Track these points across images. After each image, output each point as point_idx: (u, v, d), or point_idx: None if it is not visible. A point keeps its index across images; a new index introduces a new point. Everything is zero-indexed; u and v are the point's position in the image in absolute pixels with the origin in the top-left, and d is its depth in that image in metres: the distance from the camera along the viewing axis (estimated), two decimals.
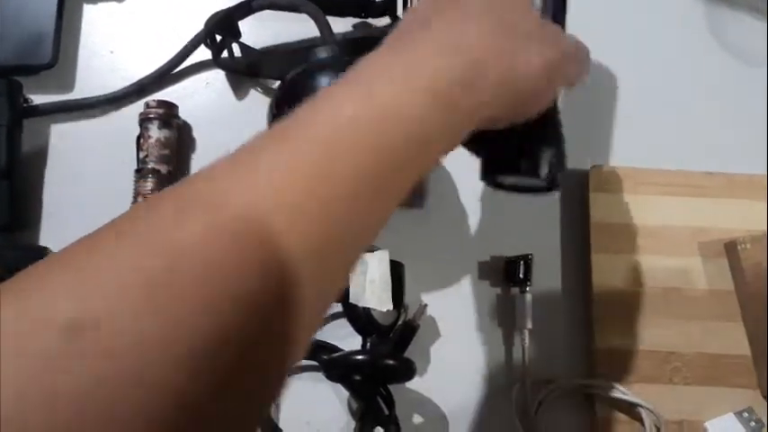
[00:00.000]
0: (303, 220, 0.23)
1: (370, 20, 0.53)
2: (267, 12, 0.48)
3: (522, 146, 0.35)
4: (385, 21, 0.53)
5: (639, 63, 0.53)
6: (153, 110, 0.48)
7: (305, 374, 0.46)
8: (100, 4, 0.54)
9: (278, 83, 0.51)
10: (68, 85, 0.52)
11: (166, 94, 0.51)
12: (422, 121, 0.26)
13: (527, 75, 0.30)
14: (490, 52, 0.29)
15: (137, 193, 0.48)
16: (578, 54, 0.35)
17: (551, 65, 0.31)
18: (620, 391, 0.44)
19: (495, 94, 0.29)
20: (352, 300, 0.42)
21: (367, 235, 0.26)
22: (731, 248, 0.47)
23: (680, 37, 0.54)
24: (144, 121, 0.49)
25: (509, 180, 0.37)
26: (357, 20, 0.53)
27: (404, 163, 0.26)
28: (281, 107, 0.42)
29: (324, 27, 0.45)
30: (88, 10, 0.54)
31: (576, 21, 0.54)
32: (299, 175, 0.23)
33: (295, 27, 0.49)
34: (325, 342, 0.46)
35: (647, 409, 0.43)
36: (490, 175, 0.37)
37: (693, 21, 0.55)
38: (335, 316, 0.47)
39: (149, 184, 0.48)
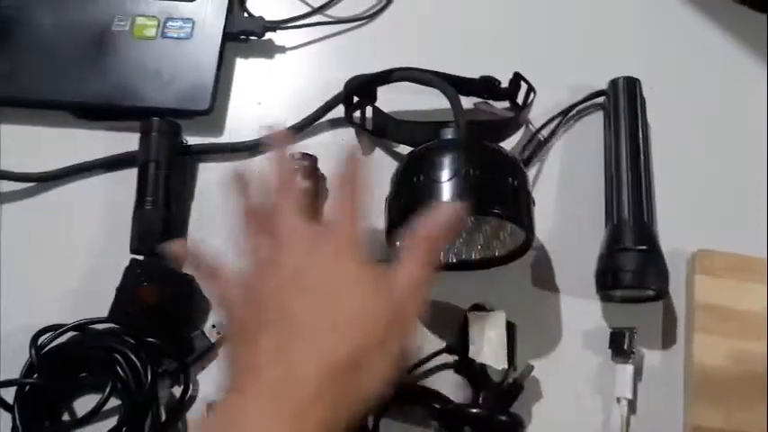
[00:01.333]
0: None
1: (491, 101, 0.57)
2: (403, 83, 0.53)
3: None
4: (505, 104, 0.57)
5: (746, 150, 0.56)
6: (298, 161, 0.52)
7: (411, 418, 0.49)
8: (251, 59, 0.60)
9: (401, 146, 0.55)
10: (219, 130, 0.57)
11: (307, 144, 0.56)
12: None
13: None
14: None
15: None
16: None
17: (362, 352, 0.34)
18: None
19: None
20: (471, 355, 0.45)
21: None
22: None
23: None
24: None
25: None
26: (479, 99, 0.58)
27: None
28: (406, 177, 0.46)
29: (456, 109, 0.49)
30: (241, 64, 0.60)
31: (686, 104, 0.58)
32: None
33: (426, 99, 0.54)
34: (434, 390, 0.49)
35: None
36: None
37: None
38: (442, 366, 0.50)
39: None
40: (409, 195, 0.45)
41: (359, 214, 0.39)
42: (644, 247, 0.49)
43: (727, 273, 0.51)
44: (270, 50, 0.61)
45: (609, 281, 0.48)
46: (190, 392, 0.48)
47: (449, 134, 0.48)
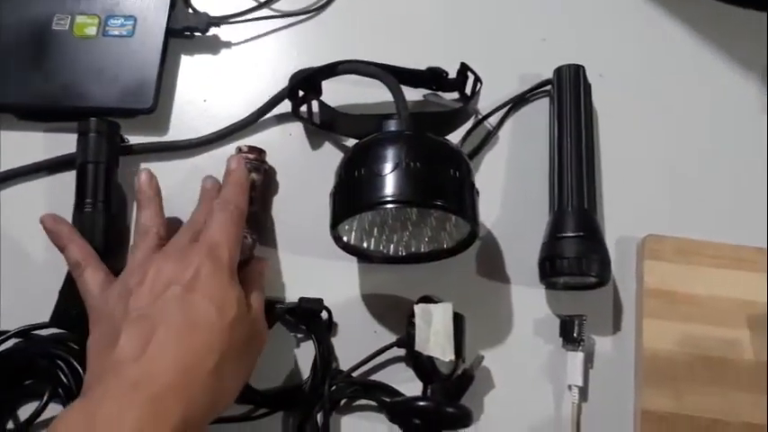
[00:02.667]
0: None
1: (440, 93, 0.57)
2: (348, 75, 0.53)
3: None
4: (454, 95, 0.57)
5: (693, 136, 0.57)
6: (244, 154, 0.52)
7: (364, 413, 0.49)
8: (196, 56, 0.59)
9: (351, 140, 0.55)
10: (163, 128, 0.56)
11: (254, 140, 0.56)
12: None
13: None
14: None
15: None
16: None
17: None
18: None
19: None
20: (417, 348, 0.45)
21: None
22: None
23: (734, 112, 0.58)
24: None
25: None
26: (428, 91, 0.57)
27: None
28: (348, 170, 0.46)
29: (399, 101, 0.49)
30: (185, 61, 0.59)
31: (633, 92, 0.58)
32: None
33: (372, 92, 0.54)
34: (384, 384, 0.49)
35: None
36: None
37: (749, 97, 0.58)
38: (394, 360, 0.50)
39: None
40: (351, 189, 0.45)
41: (236, 236, 0.44)
42: (583, 234, 0.48)
43: (676, 257, 0.51)
44: (215, 46, 0.60)
45: (549, 269, 0.48)
46: None
47: (392, 126, 0.47)
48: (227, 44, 0.60)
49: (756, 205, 0.54)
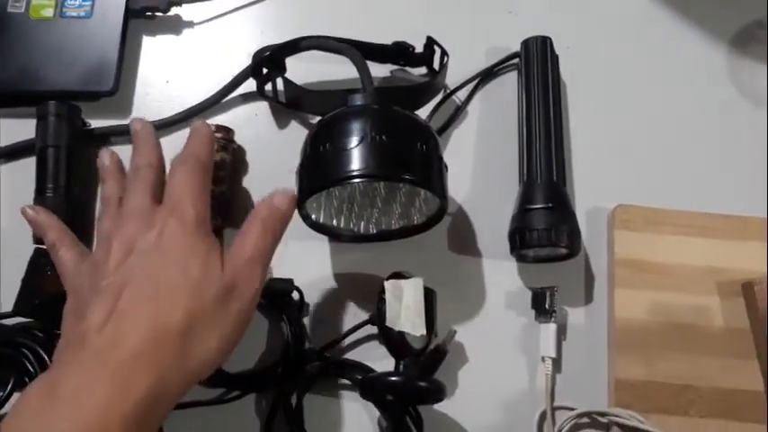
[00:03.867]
0: None
1: (408, 68, 0.56)
2: (314, 52, 0.52)
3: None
4: (422, 70, 0.56)
5: (661, 106, 0.57)
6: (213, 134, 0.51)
7: (338, 392, 0.48)
8: (158, 36, 0.58)
9: (317, 118, 0.54)
10: (125, 111, 0.55)
11: (220, 120, 0.55)
12: None
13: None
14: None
15: None
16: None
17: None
18: (638, 420, 0.46)
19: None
20: (388, 323, 0.45)
21: None
22: (748, 289, 0.49)
23: (700, 82, 0.58)
24: None
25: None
26: (396, 67, 0.57)
27: None
28: (314, 146, 0.45)
29: (364, 75, 0.48)
30: (147, 41, 0.58)
31: (601, 63, 0.58)
32: None
33: (339, 68, 0.53)
34: (357, 362, 0.49)
35: None
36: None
37: (714, 66, 0.58)
38: (367, 338, 0.50)
39: None
40: (317, 165, 0.44)
41: (201, 189, 0.41)
42: (551, 205, 0.48)
43: (645, 226, 0.51)
44: (177, 26, 0.58)
45: (519, 241, 0.48)
46: None
47: (357, 100, 0.47)
48: (190, 23, 0.59)
49: (723, 173, 0.55)
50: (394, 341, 0.45)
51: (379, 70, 0.56)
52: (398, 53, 0.56)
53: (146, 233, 0.38)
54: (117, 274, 0.37)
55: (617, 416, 0.47)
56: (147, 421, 0.33)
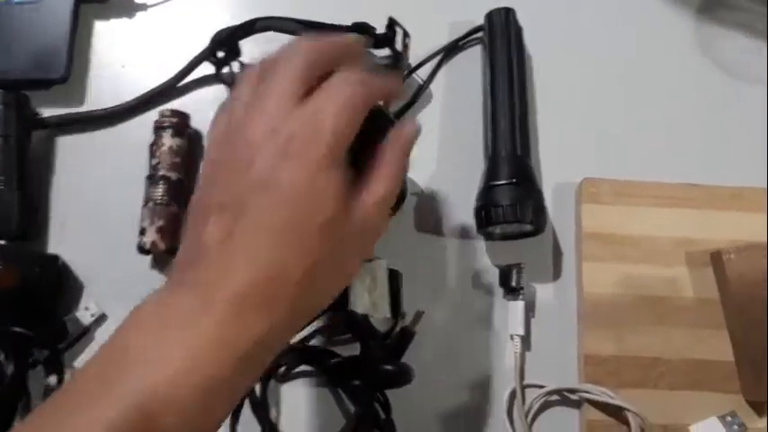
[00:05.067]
0: None
1: (371, 49, 0.55)
2: (273, 33, 0.50)
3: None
4: (385, 51, 0.55)
5: (628, 78, 0.56)
6: (167, 118, 0.50)
7: (303, 379, 0.48)
8: (112, 20, 0.56)
9: None
10: (79, 98, 0.54)
11: (176, 105, 0.53)
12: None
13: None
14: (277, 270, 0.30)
15: (147, 199, 0.49)
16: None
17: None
18: (608, 396, 0.46)
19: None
20: (351, 307, 0.44)
21: None
22: (716, 259, 0.49)
23: (666, 51, 0.56)
24: (158, 128, 0.50)
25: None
26: None
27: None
28: None
29: None
30: (99, 25, 0.56)
31: (566, 35, 0.56)
32: None
33: None
34: (323, 348, 0.48)
35: (634, 412, 0.45)
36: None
37: (681, 35, 0.57)
38: (332, 323, 0.49)
39: (160, 190, 0.49)
40: None
41: (351, 108, 0.32)
42: (516, 180, 0.47)
43: (613, 199, 0.51)
44: (130, 9, 0.57)
45: (484, 217, 0.47)
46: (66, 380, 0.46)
47: None
48: (143, 6, 0.57)
49: (691, 143, 0.54)
50: (358, 325, 0.44)
51: None
52: (360, 34, 0.54)
53: (274, 139, 0.31)
54: (241, 198, 0.31)
55: (587, 392, 0.46)
56: (254, 365, 0.31)
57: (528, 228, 0.48)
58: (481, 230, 0.49)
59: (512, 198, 0.47)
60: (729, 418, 0.46)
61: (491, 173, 0.49)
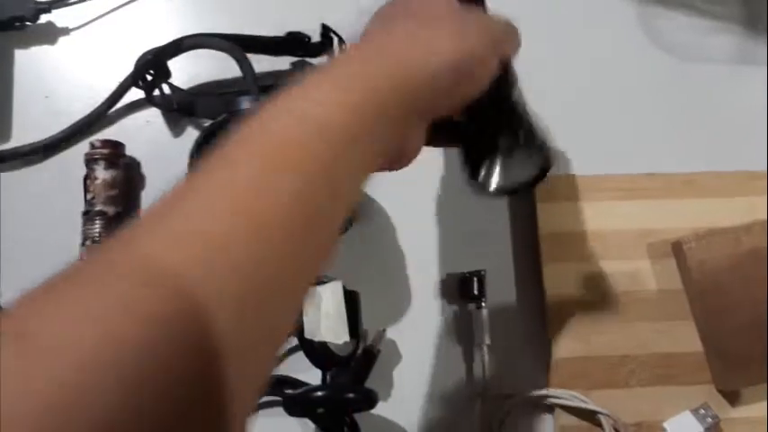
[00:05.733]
0: (225, 268, 0.22)
1: (308, 59, 0.53)
2: (202, 51, 0.48)
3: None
4: (323, 59, 0.52)
5: (573, 67, 0.54)
6: (98, 150, 0.47)
7: (268, 410, 0.46)
8: (32, 48, 0.53)
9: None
10: (4, 135, 0.50)
11: (109, 133, 0.50)
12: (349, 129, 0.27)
13: (444, 59, 0.31)
14: (405, 49, 0.31)
15: (85, 237, 0.47)
16: (503, 28, 0.37)
17: (468, 43, 0.32)
18: (579, 400, 0.45)
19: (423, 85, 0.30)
20: (307, 335, 0.42)
21: (307, 260, 0.26)
22: (677, 248, 0.48)
23: (611, 38, 0.55)
24: (89, 161, 0.48)
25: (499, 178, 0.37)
26: (297, 59, 0.53)
27: (335, 177, 0.26)
28: (200, 155, 0.41)
29: (248, 75, 0.45)
30: (20, 55, 0.52)
31: (528, 26, 0.54)
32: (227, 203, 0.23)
33: (231, 65, 0.49)
34: (286, 376, 0.46)
35: (606, 414, 0.44)
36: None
37: (625, 20, 0.55)
38: (293, 350, 0.47)
39: (97, 226, 0.47)
40: None
41: None
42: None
43: (569, 196, 0.50)
44: (51, 34, 0.53)
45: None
46: None
47: (243, 103, 0.43)
48: (65, 30, 0.53)
49: (643, 131, 0.53)
50: (317, 353, 0.43)
51: (278, 63, 0.52)
52: (295, 44, 0.52)
53: None
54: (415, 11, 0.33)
55: (558, 397, 0.45)
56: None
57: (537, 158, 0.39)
58: (475, 181, 0.38)
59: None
60: (702, 411, 0.45)
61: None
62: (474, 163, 0.37)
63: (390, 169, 0.34)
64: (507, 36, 0.36)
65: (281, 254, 0.24)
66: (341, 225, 0.28)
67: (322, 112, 0.27)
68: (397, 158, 0.33)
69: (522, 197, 0.50)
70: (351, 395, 0.42)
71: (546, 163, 0.38)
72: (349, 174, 0.28)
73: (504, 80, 0.36)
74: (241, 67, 0.44)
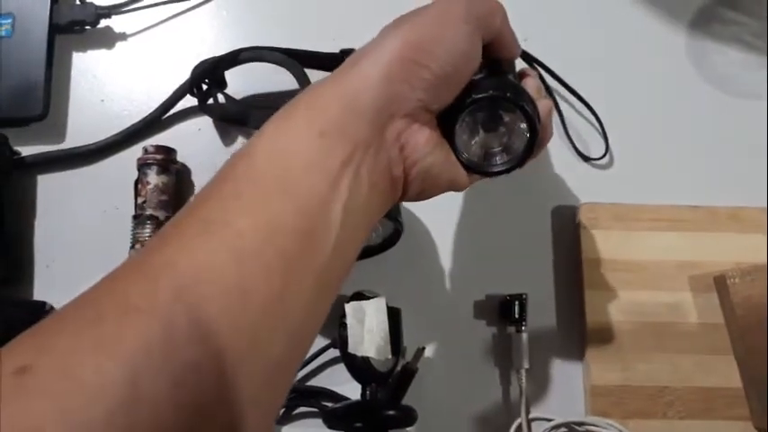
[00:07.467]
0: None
1: None
2: (257, 63, 0.49)
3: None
4: None
5: (621, 97, 0.54)
6: (151, 155, 0.48)
7: (304, 421, 0.46)
8: (89, 52, 0.54)
9: None
10: (59, 135, 0.52)
11: (161, 139, 0.51)
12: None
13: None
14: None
15: (135, 241, 0.48)
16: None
17: (415, 28, 0.33)
18: (616, 428, 0.45)
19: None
20: (350, 350, 0.42)
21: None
22: (720, 282, 0.48)
23: (660, 69, 0.55)
24: (142, 166, 0.49)
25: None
26: None
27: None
28: None
29: (304, 86, 0.45)
30: (78, 58, 0.54)
31: (560, 51, 0.55)
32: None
33: (285, 78, 0.50)
34: (324, 388, 0.46)
35: None
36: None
37: (675, 53, 0.56)
38: (332, 362, 0.47)
39: (147, 230, 0.48)
40: None
41: None
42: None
43: (613, 224, 0.50)
44: (109, 39, 0.54)
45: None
46: None
47: None
48: (122, 36, 0.55)
49: (686, 163, 0.53)
50: (358, 367, 0.43)
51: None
52: (341, 60, 0.52)
53: None
54: None
55: (595, 425, 0.45)
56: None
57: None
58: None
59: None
60: None
61: None
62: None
63: (421, 194, 0.33)
64: (482, 7, 0.34)
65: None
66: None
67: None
68: (413, 164, 0.32)
69: (566, 222, 0.50)
70: (392, 412, 0.42)
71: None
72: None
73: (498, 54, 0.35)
74: (299, 82, 0.45)
